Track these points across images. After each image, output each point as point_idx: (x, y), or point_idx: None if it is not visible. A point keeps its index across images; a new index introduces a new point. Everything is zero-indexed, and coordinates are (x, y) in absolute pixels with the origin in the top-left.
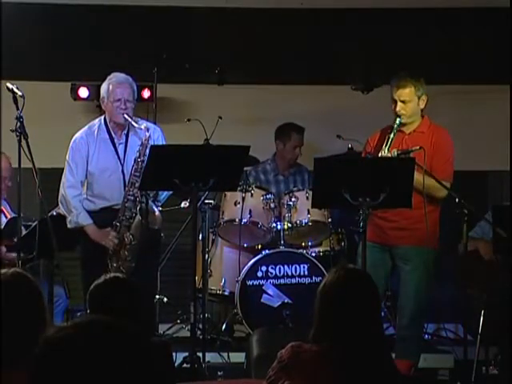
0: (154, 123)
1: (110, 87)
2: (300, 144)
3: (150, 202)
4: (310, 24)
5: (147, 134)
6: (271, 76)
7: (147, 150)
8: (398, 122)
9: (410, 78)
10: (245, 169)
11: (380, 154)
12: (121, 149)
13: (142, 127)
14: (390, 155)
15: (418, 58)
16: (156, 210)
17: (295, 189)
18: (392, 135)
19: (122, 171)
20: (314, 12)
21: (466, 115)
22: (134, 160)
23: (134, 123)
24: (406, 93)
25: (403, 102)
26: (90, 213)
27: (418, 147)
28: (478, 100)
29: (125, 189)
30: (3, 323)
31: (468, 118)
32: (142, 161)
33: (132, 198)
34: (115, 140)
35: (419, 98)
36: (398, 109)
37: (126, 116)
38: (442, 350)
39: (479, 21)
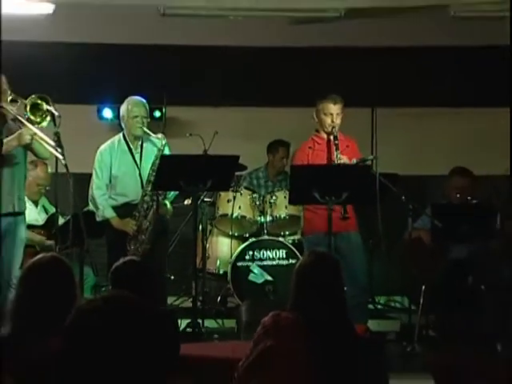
0: None
1: (129, 107)
2: (286, 155)
3: (160, 198)
4: (295, 55)
5: (163, 142)
6: (261, 99)
7: None
8: (336, 131)
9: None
10: (240, 174)
11: (336, 157)
12: (137, 157)
13: (160, 136)
14: (346, 158)
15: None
16: (168, 203)
17: (276, 189)
18: (337, 142)
19: (139, 174)
20: (300, 49)
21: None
22: (153, 162)
23: (151, 133)
24: (339, 107)
25: (337, 114)
26: (114, 208)
27: (372, 156)
28: None
29: (142, 188)
30: (43, 298)
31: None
32: None
33: (149, 193)
34: (133, 150)
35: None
36: (334, 120)
37: (144, 128)
38: (391, 317)
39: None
